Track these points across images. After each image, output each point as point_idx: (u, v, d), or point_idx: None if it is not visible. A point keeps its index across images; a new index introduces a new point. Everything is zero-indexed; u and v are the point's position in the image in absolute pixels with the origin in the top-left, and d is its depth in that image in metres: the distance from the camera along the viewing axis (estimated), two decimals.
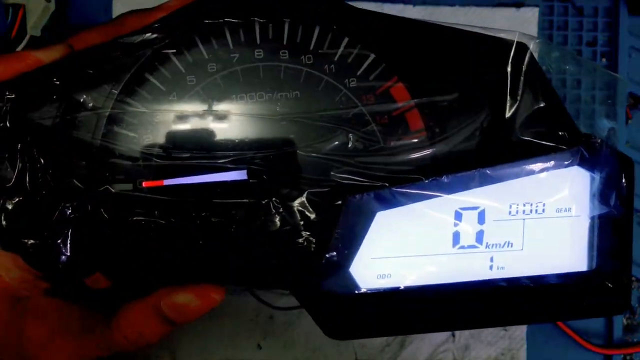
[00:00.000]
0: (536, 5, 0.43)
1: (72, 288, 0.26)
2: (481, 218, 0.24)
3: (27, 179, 0.23)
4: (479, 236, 0.24)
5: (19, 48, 0.40)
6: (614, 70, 0.43)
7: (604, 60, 0.43)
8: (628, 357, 0.41)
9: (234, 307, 0.41)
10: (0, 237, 0.23)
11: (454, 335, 0.41)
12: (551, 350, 0.41)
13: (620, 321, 0.41)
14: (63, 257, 0.23)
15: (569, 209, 0.24)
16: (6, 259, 0.24)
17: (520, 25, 0.43)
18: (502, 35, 0.24)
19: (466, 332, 0.41)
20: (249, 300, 0.41)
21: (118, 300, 0.25)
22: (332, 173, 0.23)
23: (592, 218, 0.24)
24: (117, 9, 0.43)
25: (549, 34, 0.43)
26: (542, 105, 0.23)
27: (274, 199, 0.23)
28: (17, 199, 0.23)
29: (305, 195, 0.23)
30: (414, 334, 0.33)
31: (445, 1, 0.43)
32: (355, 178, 0.23)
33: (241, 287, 0.27)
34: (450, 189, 0.23)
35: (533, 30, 0.43)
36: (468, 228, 0.23)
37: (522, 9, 0.43)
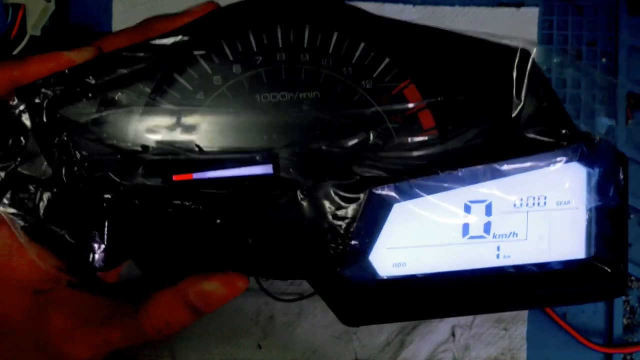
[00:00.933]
0: (536, 5, 0.43)
1: (93, 280, 0.27)
2: (488, 210, 0.26)
3: (63, 173, 0.24)
4: (487, 227, 0.26)
5: (19, 48, 0.40)
6: (614, 70, 0.43)
7: (604, 60, 0.43)
8: (628, 357, 0.41)
9: (234, 307, 0.41)
10: (34, 229, 0.24)
11: (454, 335, 0.41)
12: (551, 349, 0.41)
13: (620, 320, 0.41)
14: (97, 247, 0.24)
15: (569, 202, 0.26)
16: (31, 252, 0.25)
17: (520, 25, 0.43)
18: (506, 41, 0.26)
19: (466, 332, 0.41)
20: (249, 300, 0.41)
21: (144, 290, 0.26)
22: (354, 167, 0.25)
23: (590, 210, 0.26)
24: (117, 9, 0.43)
25: (549, 34, 0.43)
26: (544, 105, 0.25)
27: (299, 191, 0.24)
28: (53, 192, 0.24)
29: (329, 187, 0.25)
30: (426, 319, 0.34)
31: (445, 1, 0.43)
32: (376, 172, 0.25)
33: (263, 278, 0.28)
34: (462, 182, 0.24)
35: (533, 30, 0.43)
36: (476, 219, 0.26)
37: (523, 9, 0.43)
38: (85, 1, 0.43)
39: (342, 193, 0.25)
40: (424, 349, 0.41)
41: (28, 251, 0.25)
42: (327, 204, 0.25)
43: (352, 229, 0.24)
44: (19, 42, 0.40)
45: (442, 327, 0.41)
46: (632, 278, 0.42)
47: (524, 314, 0.41)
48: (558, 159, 0.25)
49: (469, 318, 0.41)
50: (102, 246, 0.24)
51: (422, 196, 0.25)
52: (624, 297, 0.41)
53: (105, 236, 0.24)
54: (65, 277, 0.26)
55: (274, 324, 0.41)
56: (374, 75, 0.26)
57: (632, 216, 0.42)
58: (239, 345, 0.41)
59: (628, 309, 0.41)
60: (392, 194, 0.24)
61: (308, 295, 0.28)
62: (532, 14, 0.43)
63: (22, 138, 0.24)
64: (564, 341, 0.41)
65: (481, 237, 0.26)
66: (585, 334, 0.41)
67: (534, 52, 0.26)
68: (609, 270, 0.26)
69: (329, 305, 0.26)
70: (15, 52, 0.40)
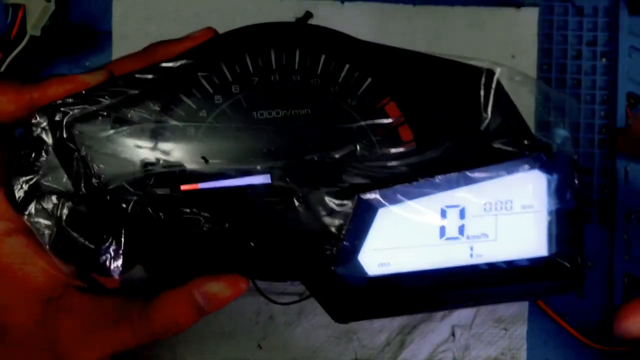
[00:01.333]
0: (536, 5, 0.43)
1: (98, 286, 0.29)
2: (462, 214, 0.29)
3: (82, 185, 0.26)
4: (461, 229, 0.29)
5: (19, 48, 0.40)
6: (614, 70, 0.43)
7: (604, 60, 0.43)
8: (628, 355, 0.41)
9: (234, 307, 0.41)
10: (56, 237, 0.26)
11: (454, 335, 0.41)
12: (551, 349, 0.41)
13: None
14: (113, 253, 0.26)
15: (532, 206, 0.29)
16: (42, 261, 0.27)
17: (520, 25, 0.43)
18: (475, 62, 0.29)
19: (466, 332, 0.41)
20: (249, 300, 0.41)
21: (154, 290, 0.28)
22: (343, 175, 0.28)
23: (550, 212, 0.29)
24: (117, 9, 0.43)
25: (549, 34, 0.43)
26: (508, 119, 0.29)
27: (295, 198, 0.27)
28: (73, 202, 0.26)
29: (322, 194, 0.27)
30: (409, 314, 0.36)
31: (445, 1, 0.43)
32: (362, 179, 0.28)
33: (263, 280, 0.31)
34: (438, 188, 0.28)
35: (533, 30, 0.43)
36: (451, 222, 0.29)
37: (522, 9, 0.43)
38: (85, 1, 0.43)
39: (333, 199, 0.27)
40: (424, 349, 0.41)
41: (43, 259, 0.27)
42: (320, 209, 0.27)
43: (343, 231, 0.27)
44: (19, 42, 0.40)
45: (442, 327, 0.41)
46: (632, 278, 0.42)
47: (524, 313, 0.41)
48: (521, 166, 0.28)
49: (469, 318, 0.41)
50: (119, 252, 0.26)
51: (403, 201, 0.28)
52: (624, 298, 0.41)
53: (122, 243, 0.26)
54: (76, 282, 0.28)
55: (274, 324, 0.41)
56: (358, 94, 0.29)
57: (631, 216, 0.42)
58: (239, 345, 0.41)
59: None
60: (378, 198, 0.27)
61: (305, 298, 0.30)
62: (531, 14, 0.43)
63: (43, 153, 0.26)
64: (564, 341, 0.41)
65: (456, 238, 0.29)
66: (585, 334, 0.41)
67: (498, 72, 0.29)
68: (568, 265, 0.29)
69: (321, 303, 0.29)
70: (15, 52, 0.40)
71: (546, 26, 0.44)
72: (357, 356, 0.41)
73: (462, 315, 0.41)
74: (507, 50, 0.42)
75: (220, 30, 0.30)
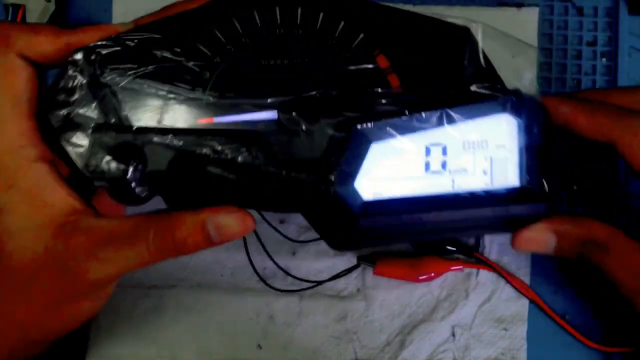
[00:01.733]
0: (536, 5, 0.43)
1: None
2: (444, 152, 0.33)
3: (111, 117, 0.30)
4: (443, 164, 0.33)
5: None
6: (614, 70, 0.43)
7: (604, 60, 0.43)
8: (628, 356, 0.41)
9: (234, 307, 0.41)
10: (87, 161, 0.29)
11: (454, 335, 0.41)
12: (552, 350, 0.41)
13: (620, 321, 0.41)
14: (137, 181, 0.30)
15: (504, 144, 0.33)
16: (62, 190, 0.29)
17: (520, 25, 0.43)
18: (454, 20, 0.34)
19: (466, 332, 0.41)
20: (249, 300, 0.41)
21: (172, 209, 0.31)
22: (341, 111, 0.31)
23: (520, 148, 0.33)
24: (117, 9, 0.43)
25: (549, 34, 0.43)
26: (482, 68, 0.33)
27: (299, 129, 0.31)
28: (103, 132, 0.30)
29: (323, 126, 0.31)
30: (402, 242, 0.39)
31: (445, 1, 0.43)
32: (357, 114, 0.31)
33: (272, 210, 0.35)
34: (424, 122, 0.32)
35: (533, 30, 0.43)
36: (435, 159, 0.33)
37: (523, 9, 0.43)
38: (85, 1, 0.44)
39: (332, 130, 0.31)
40: (424, 349, 0.41)
41: (63, 189, 0.29)
42: (320, 138, 0.31)
43: (341, 159, 0.30)
44: None
45: (442, 327, 0.41)
46: None
47: (524, 314, 0.41)
48: (494, 108, 0.33)
49: (469, 318, 0.41)
50: (143, 178, 0.30)
51: (394, 136, 0.31)
52: None
53: (145, 170, 0.30)
54: (91, 211, 0.30)
55: (274, 324, 0.41)
56: (352, 46, 0.33)
57: (632, 215, 0.42)
58: (239, 345, 0.41)
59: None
60: (371, 128, 0.31)
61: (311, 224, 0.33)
62: (532, 14, 0.43)
63: (78, 89, 0.30)
64: (564, 341, 0.41)
65: (439, 172, 0.33)
66: (586, 335, 0.41)
67: (475, 27, 0.34)
68: (536, 192, 0.33)
69: (321, 232, 0.32)
70: None
71: (546, 26, 0.44)
72: (357, 356, 0.41)
73: (462, 315, 0.41)
74: (507, 50, 0.42)
75: None
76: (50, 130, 0.30)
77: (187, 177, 0.30)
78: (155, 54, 0.31)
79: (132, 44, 0.31)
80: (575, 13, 0.44)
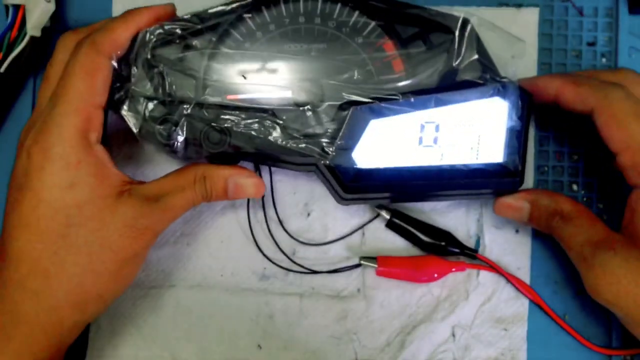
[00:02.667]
0: (536, 6, 0.43)
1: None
2: (437, 129, 0.37)
3: (160, 91, 0.37)
4: (435, 140, 0.37)
5: (19, 48, 0.40)
6: None
7: (604, 60, 0.43)
8: (628, 358, 0.41)
9: (234, 307, 0.41)
10: (141, 126, 0.36)
11: (454, 336, 0.41)
12: (552, 350, 0.41)
13: (620, 321, 0.41)
14: (179, 140, 0.36)
15: (490, 124, 0.38)
16: (114, 168, 0.36)
17: (520, 26, 0.43)
18: (454, 12, 0.38)
19: (466, 332, 0.41)
20: (249, 300, 0.41)
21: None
22: (343, 93, 0.37)
23: (506, 129, 0.37)
24: (117, 9, 0.43)
25: (549, 34, 0.43)
26: (476, 57, 0.37)
27: (307, 107, 0.37)
28: (153, 104, 0.36)
29: (326, 105, 0.37)
30: (395, 202, 0.42)
31: (445, 2, 0.43)
32: (358, 97, 0.37)
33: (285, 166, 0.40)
34: (415, 106, 0.37)
35: (533, 30, 0.43)
36: (428, 135, 0.37)
37: (523, 10, 0.43)
38: (85, 1, 0.44)
39: (335, 110, 0.37)
40: (424, 350, 0.41)
41: (115, 167, 0.35)
42: (324, 116, 0.37)
43: (340, 133, 0.36)
44: (19, 42, 0.40)
45: (442, 328, 0.41)
46: None
47: (524, 314, 0.41)
48: (483, 94, 0.37)
49: (469, 318, 0.41)
50: (183, 140, 0.36)
51: (390, 115, 0.37)
52: None
53: (185, 132, 0.36)
54: (137, 181, 0.36)
55: (274, 324, 0.41)
56: (363, 34, 0.38)
57: None
58: (239, 345, 0.41)
59: None
60: (368, 110, 0.36)
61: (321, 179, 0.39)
62: (532, 14, 0.43)
63: (134, 68, 0.36)
64: (564, 342, 0.41)
65: (431, 146, 0.37)
66: (586, 335, 0.41)
67: (472, 20, 0.37)
68: (512, 169, 0.37)
69: (328, 188, 0.39)
70: (15, 52, 0.40)
71: (546, 26, 0.44)
72: (357, 356, 0.41)
73: (462, 315, 0.41)
74: (507, 50, 0.42)
75: None
76: (113, 102, 0.36)
77: (215, 144, 0.36)
78: (195, 40, 0.37)
79: (178, 31, 0.37)
80: (575, 13, 0.44)
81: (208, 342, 0.41)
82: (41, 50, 0.42)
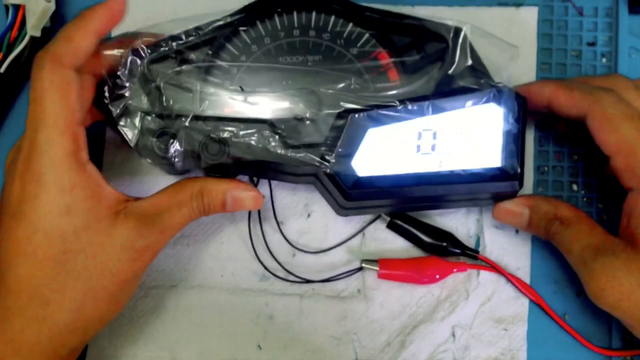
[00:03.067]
0: (536, 5, 0.43)
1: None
2: (434, 136, 0.37)
3: (156, 106, 0.37)
4: (433, 147, 0.37)
5: (19, 48, 0.40)
6: (614, 70, 0.43)
7: (604, 60, 0.43)
8: (629, 358, 0.41)
9: (234, 307, 0.41)
10: (137, 140, 0.36)
11: (454, 336, 0.41)
12: (552, 350, 0.41)
13: (620, 322, 0.40)
14: (177, 154, 0.36)
15: (487, 130, 0.38)
16: (109, 186, 0.35)
17: (519, 25, 0.43)
18: (447, 21, 0.38)
19: (466, 332, 0.41)
20: (249, 300, 0.41)
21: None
22: (341, 102, 0.37)
23: (503, 133, 0.37)
24: None
25: (549, 34, 0.43)
26: (470, 64, 0.37)
27: (305, 116, 0.37)
28: (150, 118, 0.36)
29: (324, 114, 0.37)
30: (395, 211, 0.41)
31: (444, 2, 0.43)
32: (356, 106, 0.37)
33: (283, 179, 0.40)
34: (412, 113, 0.37)
35: (532, 29, 0.43)
36: (426, 142, 0.37)
37: (522, 9, 0.43)
38: (85, 1, 0.43)
39: (333, 118, 0.37)
40: (424, 350, 0.41)
41: (109, 185, 0.35)
42: (323, 125, 0.37)
43: (340, 141, 0.36)
44: (19, 42, 0.40)
45: (442, 328, 0.41)
46: None
47: (524, 314, 0.41)
48: (478, 99, 0.37)
49: (469, 318, 0.41)
50: (180, 157, 0.36)
51: (388, 123, 0.37)
52: None
53: (183, 145, 0.36)
54: (131, 198, 0.36)
55: (274, 324, 0.41)
56: (358, 45, 0.38)
57: None
58: (239, 346, 0.41)
59: None
60: (365, 118, 0.37)
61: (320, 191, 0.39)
62: (531, 14, 0.43)
63: (131, 83, 0.36)
64: (564, 342, 0.41)
65: (429, 153, 0.37)
66: (586, 335, 0.41)
67: (465, 27, 0.37)
68: (511, 172, 0.37)
69: (327, 200, 0.40)
70: (15, 52, 0.40)
71: (546, 26, 0.44)
72: (357, 356, 0.41)
73: (462, 315, 0.41)
74: (500, 56, 0.42)
75: None
76: (110, 117, 0.36)
77: (214, 155, 0.36)
78: (191, 54, 0.37)
79: (174, 46, 0.37)
80: (575, 13, 0.44)
81: (208, 342, 0.41)
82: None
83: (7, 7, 0.40)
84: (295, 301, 0.41)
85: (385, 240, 0.42)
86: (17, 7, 0.40)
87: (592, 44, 0.44)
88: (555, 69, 0.43)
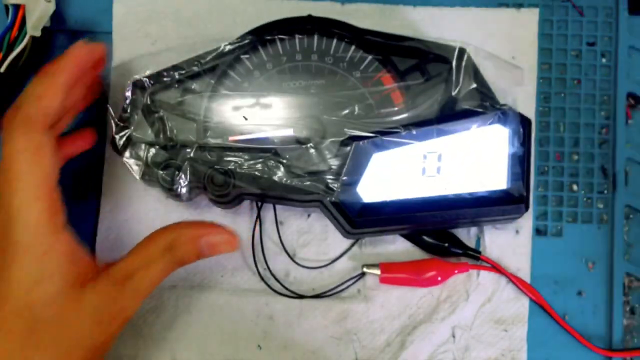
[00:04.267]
0: (536, 6, 0.43)
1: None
2: (439, 158, 0.37)
3: (161, 137, 0.37)
4: (438, 169, 0.37)
5: (19, 48, 0.40)
6: (614, 70, 0.43)
7: (604, 60, 0.43)
8: (629, 359, 0.41)
9: (234, 307, 0.41)
10: (144, 172, 0.37)
11: (454, 336, 0.41)
12: (552, 351, 0.41)
13: (620, 321, 0.41)
14: (182, 184, 0.36)
15: (492, 152, 0.38)
16: (82, 248, 0.34)
17: (520, 26, 0.43)
18: (451, 42, 0.38)
19: (466, 333, 0.41)
20: (249, 300, 0.41)
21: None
22: (345, 129, 0.37)
23: (508, 155, 0.37)
24: (117, 10, 0.43)
25: (549, 34, 0.43)
26: (474, 86, 0.37)
27: (309, 145, 0.37)
28: (155, 149, 0.37)
29: (328, 141, 0.37)
30: (398, 233, 0.41)
31: (446, 2, 0.43)
32: (360, 132, 0.37)
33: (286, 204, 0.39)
34: (418, 138, 0.37)
35: (533, 30, 0.43)
36: (431, 165, 0.37)
37: (522, 10, 0.43)
38: (85, 2, 0.44)
39: (337, 146, 0.37)
40: (424, 350, 0.41)
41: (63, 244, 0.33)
42: (327, 153, 0.37)
43: (345, 169, 0.36)
44: (19, 42, 0.40)
45: (442, 328, 0.41)
46: (632, 278, 0.42)
47: (525, 315, 0.41)
48: (483, 122, 0.37)
49: (469, 319, 0.41)
50: (187, 183, 0.36)
51: (392, 148, 0.37)
52: (624, 298, 0.41)
53: (188, 177, 0.36)
54: (106, 263, 0.35)
55: (274, 324, 0.41)
56: (361, 68, 0.38)
57: (631, 216, 0.42)
58: (239, 346, 0.41)
59: (628, 309, 0.41)
60: (370, 145, 0.37)
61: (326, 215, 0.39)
62: (532, 14, 0.43)
63: (135, 114, 0.37)
64: (565, 342, 0.41)
65: (434, 176, 0.37)
66: (586, 335, 0.40)
67: (469, 49, 0.38)
68: (517, 195, 0.37)
69: (333, 224, 0.39)
70: (15, 52, 0.40)
71: (546, 26, 0.44)
72: (357, 356, 0.41)
73: (462, 316, 0.41)
74: (507, 50, 0.42)
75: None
76: (116, 149, 0.37)
77: (219, 187, 0.36)
78: (193, 84, 0.37)
79: (176, 76, 0.37)
80: (575, 13, 0.44)
81: (208, 343, 0.41)
82: (41, 50, 0.42)
83: (7, 7, 0.40)
84: (295, 301, 0.41)
85: (385, 240, 0.42)
86: (17, 7, 0.40)
87: (592, 44, 0.44)
88: (555, 69, 0.43)
